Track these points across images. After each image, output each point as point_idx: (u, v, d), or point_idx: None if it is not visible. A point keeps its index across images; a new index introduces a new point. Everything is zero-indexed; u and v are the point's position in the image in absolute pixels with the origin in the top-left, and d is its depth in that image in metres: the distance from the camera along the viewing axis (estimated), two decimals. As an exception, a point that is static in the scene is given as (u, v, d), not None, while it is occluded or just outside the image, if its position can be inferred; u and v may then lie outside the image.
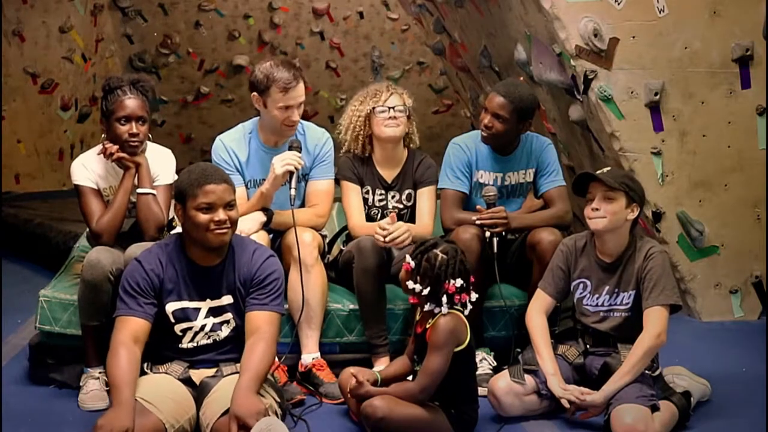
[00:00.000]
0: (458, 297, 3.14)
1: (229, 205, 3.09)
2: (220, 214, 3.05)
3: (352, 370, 3.28)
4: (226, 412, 2.89)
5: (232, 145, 3.88)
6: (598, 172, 3.43)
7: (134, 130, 3.55)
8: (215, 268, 3.16)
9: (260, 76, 3.77)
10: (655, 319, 3.29)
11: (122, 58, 8.98)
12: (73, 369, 3.65)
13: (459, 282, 3.13)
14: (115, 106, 3.56)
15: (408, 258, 3.19)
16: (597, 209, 3.33)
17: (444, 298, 3.13)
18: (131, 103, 3.56)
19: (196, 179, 3.08)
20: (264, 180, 3.81)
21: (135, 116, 3.55)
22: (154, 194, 3.57)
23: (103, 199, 3.63)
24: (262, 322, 3.11)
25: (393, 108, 3.91)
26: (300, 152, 3.72)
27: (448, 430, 3.15)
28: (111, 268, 3.38)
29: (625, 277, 3.38)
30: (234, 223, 3.12)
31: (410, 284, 3.16)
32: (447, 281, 3.12)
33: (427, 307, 3.17)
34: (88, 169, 3.64)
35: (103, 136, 3.66)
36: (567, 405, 3.27)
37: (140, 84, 3.62)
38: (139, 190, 3.56)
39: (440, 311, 3.14)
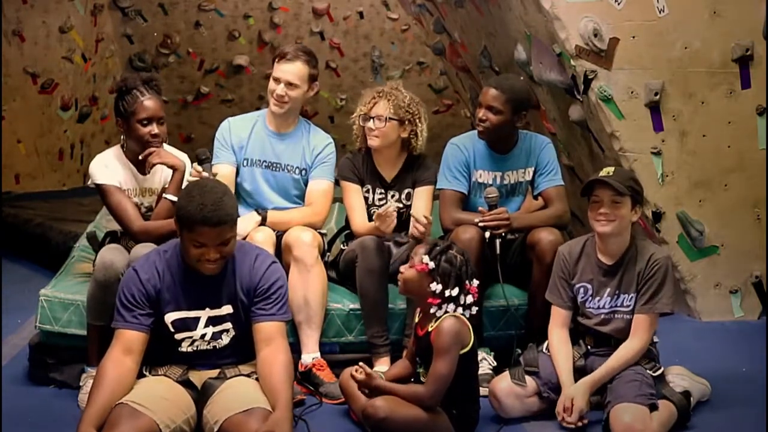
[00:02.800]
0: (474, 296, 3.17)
1: (224, 243, 3.00)
2: (211, 254, 2.99)
3: (353, 370, 3.27)
4: (241, 411, 2.90)
5: (236, 123, 4.01)
6: (604, 171, 3.41)
7: (156, 131, 3.57)
8: (215, 277, 3.12)
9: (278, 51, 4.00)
10: (644, 327, 3.34)
11: (122, 58, 8.97)
12: (73, 369, 3.65)
13: (476, 283, 3.17)
14: (135, 108, 3.57)
15: (425, 258, 3.17)
16: (606, 213, 3.33)
17: (469, 298, 3.14)
18: (151, 104, 3.58)
19: (192, 215, 2.95)
20: (260, 161, 3.94)
21: (156, 117, 3.58)
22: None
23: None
24: (273, 332, 3.11)
25: (373, 118, 3.91)
26: (203, 164, 3.59)
27: (449, 431, 3.15)
28: (123, 269, 3.37)
29: (626, 279, 3.39)
30: (229, 254, 3.06)
31: (433, 286, 3.14)
32: (468, 282, 3.14)
33: (446, 309, 3.14)
34: (110, 169, 3.63)
35: (122, 137, 3.66)
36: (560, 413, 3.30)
37: (154, 83, 3.64)
38: (166, 195, 3.56)
39: (443, 314, 3.14)
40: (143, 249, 3.36)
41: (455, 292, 3.13)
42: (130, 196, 3.64)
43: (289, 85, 3.86)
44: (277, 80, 3.88)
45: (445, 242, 3.23)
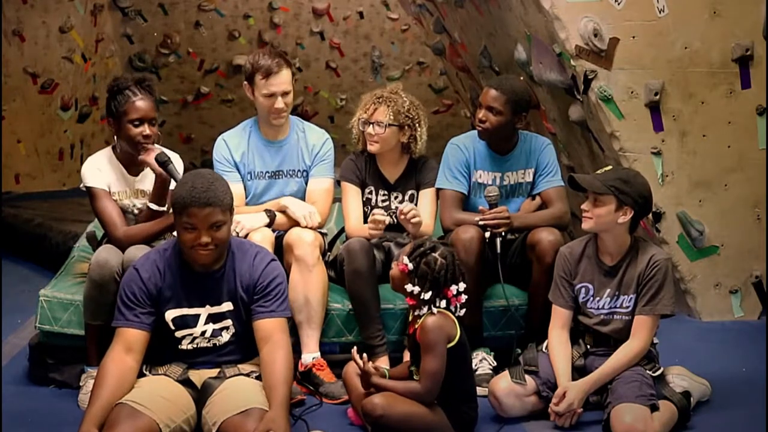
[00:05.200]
0: (455, 300, 3.16)
1: (216, 226, 3.01)
2: (203, 237, 3.00)
3: (356, 356, 3.26)
4: (239, 413, 2.90)
5: (232, 141, 3.94)
6: (599, 171, 3.44)
7: (147, 132, 3.55)
8: (215, 274, 3.14)
9: (247, 64, 3.90)
10: (645, 328, 3.33)
11: (122, 58, 8.97)
12: (73, 369, 3.65)
13: (462, 286, 3.15)
14: (126, 108, 3.55)
15: (405, 259, 3.18)
16: (586, 210, 3.35)
17: (443, 303, 3.13)
18: (143, 104, 3.55)
19: (183, 198, 3.00)
20: (263, 173, 3.91)
21: (148, 118, 3.56)
22: (164, 211, 3.55)
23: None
24: (273, 329, 3.11)
25: (373, 123, 3.89)
26: (167, 166, 3.51)
27: (447, 429, 3.15)
28: (118, 268, 3.38)
29: (625, 281, 3.38)
30: (222, 242, 3.06)
31: (408, 287, 3.16)
32: (447, 286, 3.13)
33: (423, 310, 3.16)
34: (102, 171, 3.62)
35: (115, 137, 3.65)
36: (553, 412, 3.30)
37: (146, 83, 3.61)
38: (149, 204, 3.55)
39: (426, 312, 3.14)
40: (138, 251, 3.36)
41: (428, 295, 3.12)
42: (121, 198, 3.64)
43: (284, 94, 3.82)
44: (272, 95, 3.80)
45: (431, 243, 3.21)
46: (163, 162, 3.51)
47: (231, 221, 3.11)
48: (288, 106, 3.86)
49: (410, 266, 3.16)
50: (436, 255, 3.15)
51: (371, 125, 3.89)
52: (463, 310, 3.20)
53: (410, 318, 3.28)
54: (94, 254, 3.51)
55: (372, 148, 3.92)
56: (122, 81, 3.61)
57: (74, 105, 8.18)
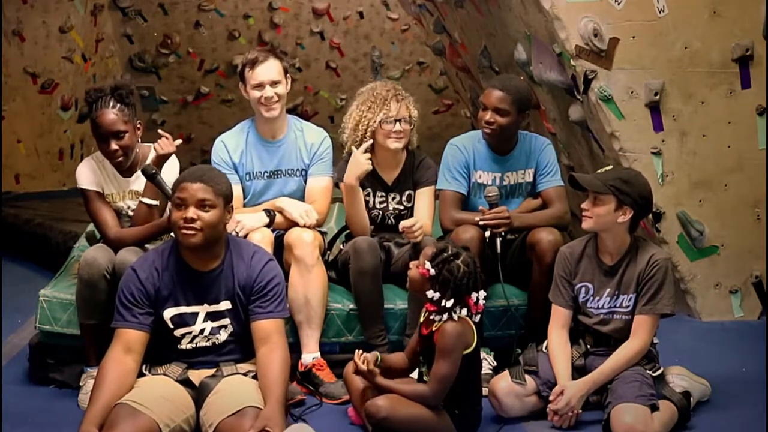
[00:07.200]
0: (475, 308, 3.15)
1: (203, 205, 3.04)
2: (189, 212, 3.02)
3: (357, 357, 3.27)
4: (234, 413, 2.91)
5: (230, 142, 3.94)
6: (599, 170, 3.44)
7: (112, 148, 3.52)
8: (213, 273, 3.15)
9: (239, 63, 3.93)
10: (645, 328, 3.33)
11: (122, 58, 8.98)
12: (73, 369, 3.66)
13: (483, 294, 3.14)
14: (96, 122, 3.53)
15: (428, 264, 3.15)
16: (585, 209, 3.35)
17: (464, 311, 3.12)
18: (106, 119, 3.51)
19: (180, 178, 3.12)
20: (261, 173, 3.90)
21: (111, 132, 3.51)
22: (156, 205, 3.56)
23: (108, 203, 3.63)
24: (271, 330, 3.12)
25: (400, 121, 3.87)
26: (155, 178, 3.48)
27: (451, 431, 3.15)
28: (107, 266, 3.39)
29: (625, 280, 3.38)
30: (208, 226, 3.05)
31: (429, 293, 3.13)
32: (468, 293, 3.12)
33: (443, 316, 3.14)
34: (95, 173, 3.63)
35: None
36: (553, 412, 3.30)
37: (118, 91, 3.54)
38: (143, 199, 3.55)
39: (447, 317, 3.13)
40: (129, 253, 3.37)
41: (450, 303, 3.11)
42: (115, 200, 3.64)
43: (274, 83, 3.82)
44: (260, 85, 3.80)
45: (454, 249, 3.17)
46: (151, 174, 3.47)
47: (225, 213, 3.12)
48: (280, 96, 3.83)
49: (432, 272, 3.13)
50: (459, 262, 3.12)
51: (397, 122, 3.87)
52: (478, 316, 3.19)
53: (422, 317, 3.26)
54: (83, 254, 3.53)
55: (397, 144, 3.88)
56: (93, 92, 3.57)
57: (74, 105, 8.18)
